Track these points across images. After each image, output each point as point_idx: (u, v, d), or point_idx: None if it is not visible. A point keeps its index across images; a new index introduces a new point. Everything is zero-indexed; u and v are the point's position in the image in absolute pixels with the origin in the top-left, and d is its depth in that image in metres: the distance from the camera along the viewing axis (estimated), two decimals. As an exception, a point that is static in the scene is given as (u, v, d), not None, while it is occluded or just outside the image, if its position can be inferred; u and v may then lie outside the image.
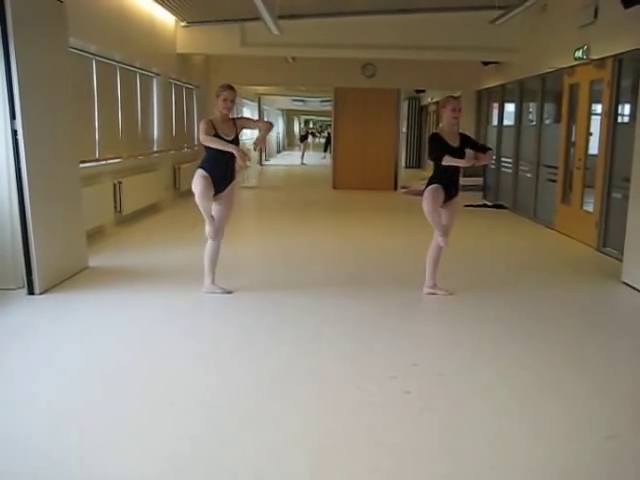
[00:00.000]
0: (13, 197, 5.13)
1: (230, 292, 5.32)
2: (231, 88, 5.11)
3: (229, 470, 2.72)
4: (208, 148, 5.04)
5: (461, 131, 5.42)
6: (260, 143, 5.85)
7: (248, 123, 5.61)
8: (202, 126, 4.96)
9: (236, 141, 5.12)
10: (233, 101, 5.09)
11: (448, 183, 5.17)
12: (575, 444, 2.99)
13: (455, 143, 5.16)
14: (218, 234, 5.23)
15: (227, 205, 5.23)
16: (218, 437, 2.98)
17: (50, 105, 5.54)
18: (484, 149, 5.36)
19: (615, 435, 3.07)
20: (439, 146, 5.09)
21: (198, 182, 5.03)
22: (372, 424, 3.14)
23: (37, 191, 5.16)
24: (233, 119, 5.21)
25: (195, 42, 11.30)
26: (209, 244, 5.24)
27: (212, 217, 5.13)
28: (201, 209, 5.09)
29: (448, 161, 5.02)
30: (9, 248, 5.25)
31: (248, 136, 22.34)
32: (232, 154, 4.95)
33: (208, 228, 5.16)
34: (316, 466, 2.76)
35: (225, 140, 4.99)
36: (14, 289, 5.24)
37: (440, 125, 5.29)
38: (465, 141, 5.27)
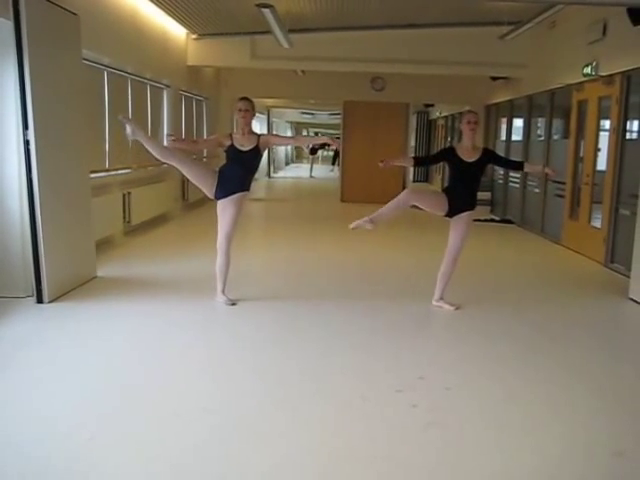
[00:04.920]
0: (24, 206, 5.17)
1: (234, 304, 5.33)
2: (246, 99, 5.19)
3: (235, 481, 2.73)
4: (226, 154, 5.18)
5: (485, 146, 5.48)
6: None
7: (275, 140, 5.67)
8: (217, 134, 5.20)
9: (252, 153, 5.15)
10: (249, 110, 5.12)
11: (457, 196, 5.19)
12: (582, 460, 2.98)
13: (470, 158, 5.19)
14: (223, 244, 5.25)
15: (227, 214, 5.19)
16: (224, 448, 2.99)
17: (62, 116, 5.60)
18: (518, 166, 5.83)
19: (623, 452, 3.06)
20: (440, 154, 5.23)
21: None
22: (378, 437, 3.14)
23: (48, 201, 5.20)
24: (258, 135, 5.25)
25: (206, 54, 11.39)
26: (218, 257, 5.29)
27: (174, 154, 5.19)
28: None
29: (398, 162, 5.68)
30: (19, 256, 5.30)
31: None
32: (248, 168, 5.13)
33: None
34: (321, 479, 2.76)
35: (238, 150, 5.10)
36: (23, 297, 5.27)
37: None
38: (487, 156, 5.31)
